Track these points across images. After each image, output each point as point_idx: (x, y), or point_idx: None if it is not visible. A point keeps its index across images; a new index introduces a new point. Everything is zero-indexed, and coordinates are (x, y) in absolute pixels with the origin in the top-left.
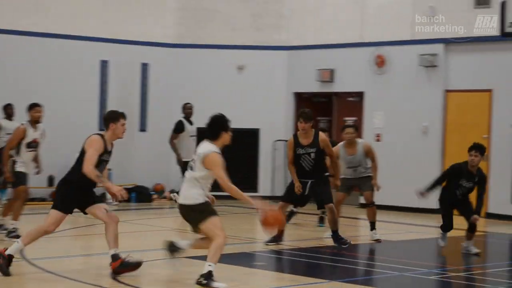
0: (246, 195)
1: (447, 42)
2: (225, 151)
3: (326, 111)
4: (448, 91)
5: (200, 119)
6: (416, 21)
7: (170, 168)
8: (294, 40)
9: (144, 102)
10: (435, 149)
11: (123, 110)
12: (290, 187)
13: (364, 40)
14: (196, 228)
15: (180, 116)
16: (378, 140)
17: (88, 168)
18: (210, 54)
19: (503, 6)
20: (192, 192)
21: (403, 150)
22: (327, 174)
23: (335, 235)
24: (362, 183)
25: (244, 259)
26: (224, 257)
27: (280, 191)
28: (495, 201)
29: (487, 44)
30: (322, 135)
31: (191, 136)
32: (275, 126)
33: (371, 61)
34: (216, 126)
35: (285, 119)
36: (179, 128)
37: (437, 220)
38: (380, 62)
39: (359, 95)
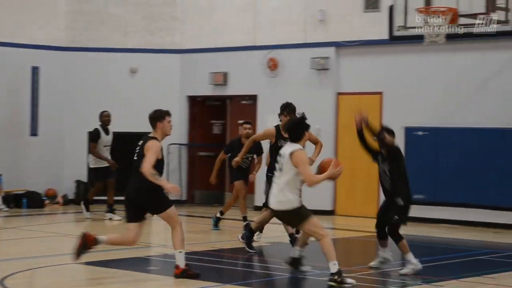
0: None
1: (338, 45)
2: (119, 156)
3: (220, 114)
4: (339, 93)
5: (94, 123)
6: (307, 24)
7: (62, 173)
8: (187, 43)
9: (35, 106)
10: (327, 151)
11: (13, 115)
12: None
13: (256, 44)
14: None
15: (96, 123)
16: None
17: (146, 168)
18: (103, 57)
19: (391, 10)
20: (287, 197)
21: None
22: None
23: (251, 235)
24: None
25: (139, 264)
26: (118, 263)
27: (174, 195)
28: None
29: (377, 47)
30: None
31: (105, 146)
32: None
33: (264, 64)
34: (300, 128)
35: (179, 123)
36: (93, 137)
37: (331, 221)
38: (273, 65)
39: (253, 98)
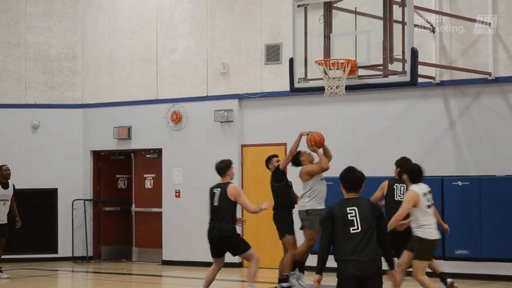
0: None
1: (240, 97)
2: (23, 212)
3: (125, 168)
4: (244, 145)
5: None
6: (210, 77)
7: None
8: (89, 98)
9: None
10: None
11: None
12: None
13: (159, 97)
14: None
15: None
16: (177, 196)
17: (252, 208)
18: (3, 113)
19: (291, 62)
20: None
21: (203, 205)
22: None
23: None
24: None
25: None
26: None
27: (80, 251)
28: None
29: (279, 99)
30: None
31: (1, 200)
32: (74, 185)
33: (167, 117)
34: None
35: (83, 178)
36: None
37: (240, 274)
38: (177, 118)
39: (157, 151)
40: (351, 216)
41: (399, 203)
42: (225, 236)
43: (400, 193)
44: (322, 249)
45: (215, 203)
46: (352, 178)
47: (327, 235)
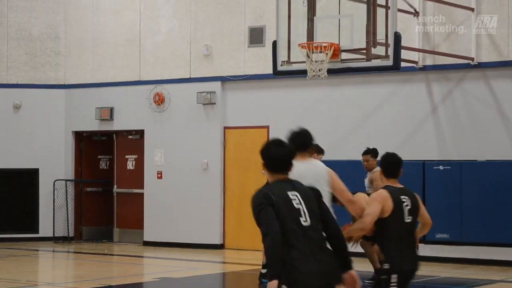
0: None
1: (223, 80)
2: (4, 192)
3: (107, 149)
4: (226, 127)
5: None
6: (193, 59)
7: None
8: (71, 78)
9: None
10: (215, 185)
11: None
12: None
13: (142, 78)
14: None
15: None
16: (159, 178)
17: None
18: None
19: (274, 45)
20: None
21: (185, 186)
22: None
23: None
24: None
25: None
26: None
27: (62, 232)
28: None
29: (262, 82)
30: None
31: None
32: (55, 166)
33: (150, 99)
34: None
35: (65, 158)
36: None
37: (221, 255)
38: (159, 100)
39: (139, 132)
40: (296, 204)
41: None
42: None
43: None
44: (275, 244)
45: None
46: (281, 154)
47: (276, 225)
